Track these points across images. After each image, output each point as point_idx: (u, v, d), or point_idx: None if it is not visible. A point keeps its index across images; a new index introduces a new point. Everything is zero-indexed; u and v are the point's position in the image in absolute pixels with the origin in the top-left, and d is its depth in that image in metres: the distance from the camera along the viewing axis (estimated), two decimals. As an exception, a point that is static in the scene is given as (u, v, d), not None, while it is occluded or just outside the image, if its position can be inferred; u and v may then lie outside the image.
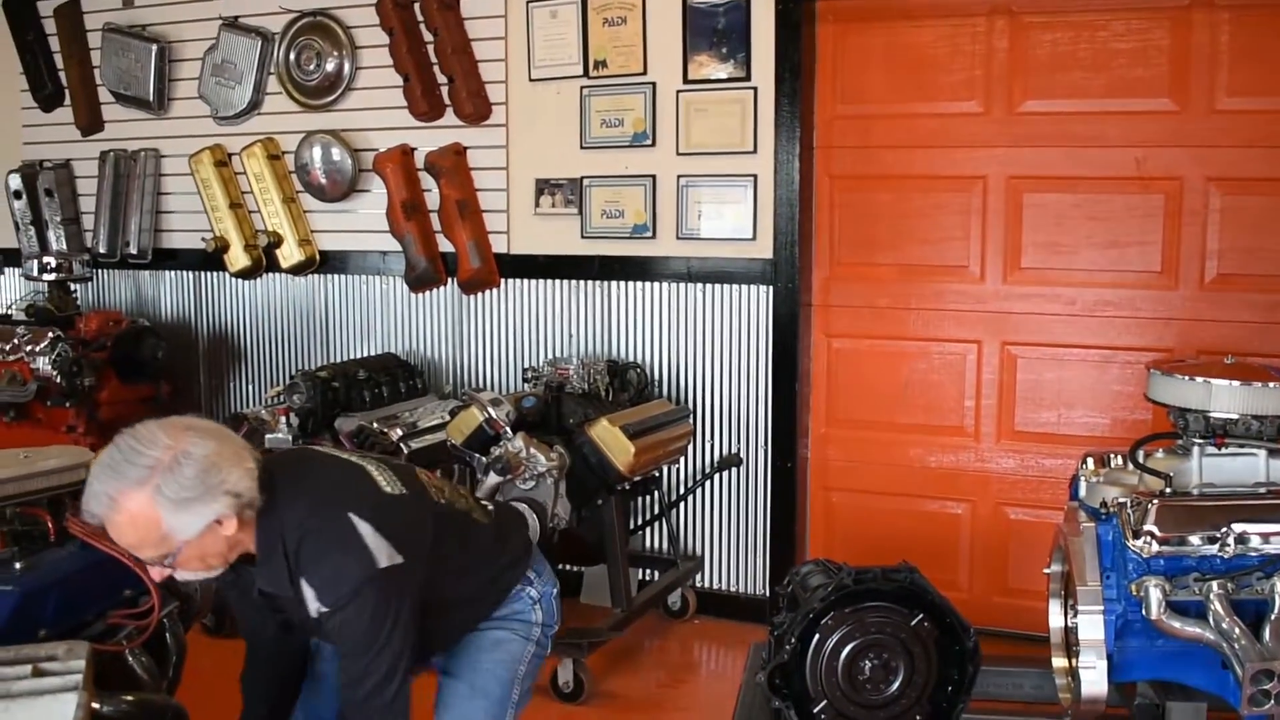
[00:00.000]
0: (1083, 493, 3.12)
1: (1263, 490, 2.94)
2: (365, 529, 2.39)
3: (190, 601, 3.14)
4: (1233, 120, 4.35)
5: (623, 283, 5.05)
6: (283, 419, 4.70)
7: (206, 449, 2.26)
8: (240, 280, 5.83)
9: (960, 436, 4.80)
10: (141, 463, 2.20)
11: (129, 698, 2.62)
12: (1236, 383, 2.97)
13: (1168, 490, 2.90)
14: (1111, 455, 3.21)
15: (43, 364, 5.25)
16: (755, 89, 4.75)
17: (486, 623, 2.81)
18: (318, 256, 5.63)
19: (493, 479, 4.29)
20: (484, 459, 4.34)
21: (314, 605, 2.41)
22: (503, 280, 5.26)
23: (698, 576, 5.06)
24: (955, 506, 4.84)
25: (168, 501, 2.20)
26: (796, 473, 4.92)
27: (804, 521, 5.03)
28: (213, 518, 2.26)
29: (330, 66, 5.45)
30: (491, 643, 2.80)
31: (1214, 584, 2.79)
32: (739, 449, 4.93)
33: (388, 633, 2.41)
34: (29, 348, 5.30)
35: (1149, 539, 2.81)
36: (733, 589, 5.04)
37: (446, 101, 5.21)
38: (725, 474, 4.95)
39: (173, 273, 6.06)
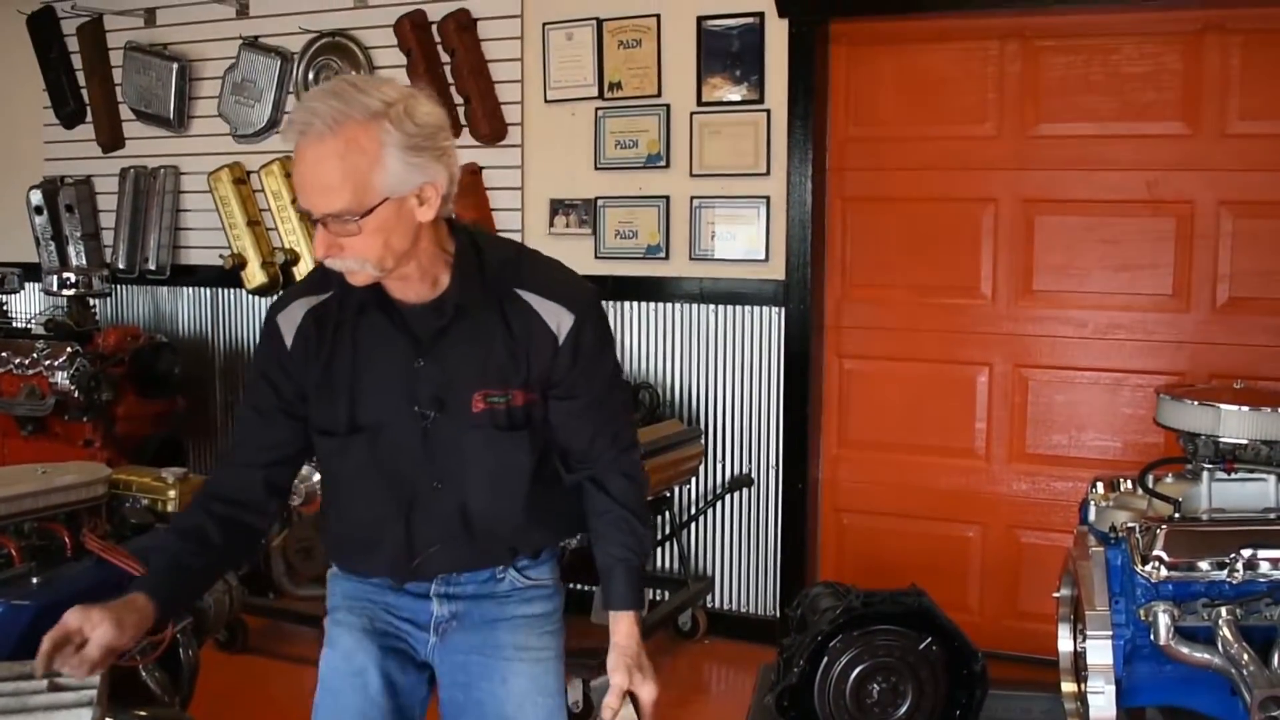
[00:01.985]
0: (1092, 517, 3.13)
1: (1272, 516, 2.94)
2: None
3: (204, 617, 3.17)
4: (1244, 144, 4.37)
5: (636, 303, 5.08)
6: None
7: (440, 113, 2.01)
8: (257, 297, 5.87)
9: (971, 459, 4.81)
10: (376, 97, 1.91)
11: (143, 713, 2.65)
12: (1246, 408, 2.98)
13: (1177, 515, 2.91)
14: (1121, 479, 3.20)
15: (61, 378, 5.30)
16: (768, 111, 4.78)
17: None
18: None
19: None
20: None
21: (554, 320, 2.11)
22: (517, 300, 5.28)
23: (709, 597, 5.07)
24: (966, 529, 4.84)
25: (393, 142, 1.90)
26: (808, 494, 4.92)
27: (815, 543, 5.04)
28: (426, 180, 1.95)
29: (347, 88, 5.49)
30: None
31: (1223, 610, 2.79)
32: (750, 470, 4.95)
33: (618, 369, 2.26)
34: (47, 362, 5.35)
35: (1158, 564, 2.81)
36: (744, 610, 5.04)
37: (463, 122, 5.24)
38: (737, 494, 4.97)
39: (190, 289, 6.11)
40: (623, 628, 2.20)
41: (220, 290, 6.02)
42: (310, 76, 5.54)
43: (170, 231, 6.04)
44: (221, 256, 5.70)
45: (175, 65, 5.88)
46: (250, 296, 5.88)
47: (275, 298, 2.26)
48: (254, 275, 5.74)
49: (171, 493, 3.39)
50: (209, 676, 3.29)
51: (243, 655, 4.84)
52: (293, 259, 5.63)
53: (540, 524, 2.28)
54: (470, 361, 2.11)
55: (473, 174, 5.23)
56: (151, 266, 6.05)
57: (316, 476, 4.66)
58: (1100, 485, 3.22)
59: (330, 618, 2.31)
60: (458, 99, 5.22)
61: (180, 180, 6.01)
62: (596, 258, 5.10)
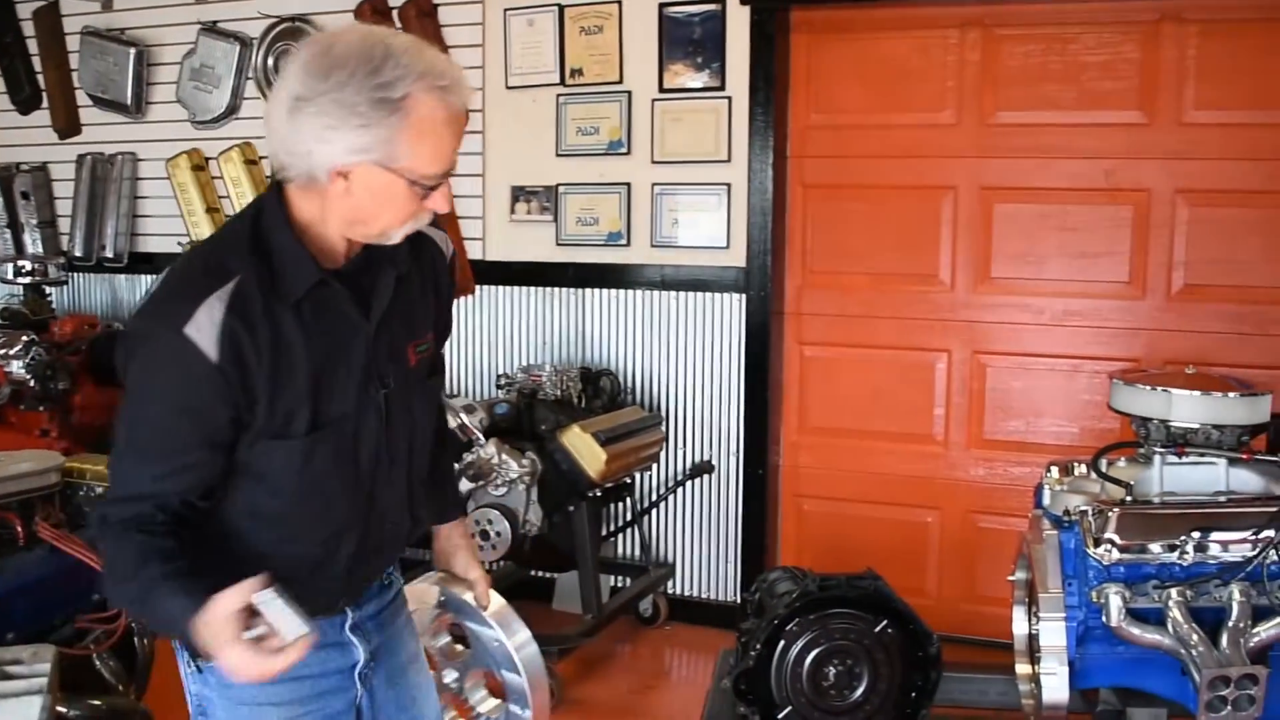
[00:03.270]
0: (1046, 501, 3.16)
1: (1222, 499, 2.99)
2: None
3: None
4: (1200, 133, 4.40)
5: (597, 290, 5.07)
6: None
7: None
8: (216, 285, 5.80)
9: (930, 444, 4.84)
10: None
11: (95, 701, 2.63)
12: (1197, 393, 3.02)
13: (1128, 499, 2.94)
14: (1075, 464, 3.24)
15: (16, 367, 5.23)
16: (730, 98, 4.78)
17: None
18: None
19: (465, 485, 4.31)
20: (456, 465, 4.37)
21: (441, 241, 2.07)
22: (478, 287, 5.28)
23: (670, 583, 5.08)
24: (925, 514, 4.87)
25: None
26: (768, 480, 4.94)
27: (775, 528, 5.06)
28: None
29: (308, 74, 5.46)
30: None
31: (1173, 591, 2.84)
32: (711, 456, 4.96)
33: None
34: (3, 351, 5.29)
35: (1109, 547, 2.85)
36: (705, 595, 5.06)
37: (424, 108, 5.22)
38: (697, 481, 4.98)
39: (149, 277, 6.04)
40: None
41: (179, 278, 5.95)
42: (270, 62, 5.50)
43: (128, 219, 5.98)
44: (180, 244, 5.66)
45: (133, 51, 5.82)
46: (209, 284, 5.82)
47: (144, 312, 1.81)
48: (213, 263, 5.68)
49: (127, 480, 3.36)
50: (166, 665, 3.27)
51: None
52: (252, 246, 5.58)
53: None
54: (404, 313, 1.95)
55: (433, 161, 5.20)
56: (109, 254, 5.99)
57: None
58: (1055, 469, 3.25)
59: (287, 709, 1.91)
60: (419, 85, 5.19)
61: (138, 167, 5.96)
62: (558, 244, 5.10)
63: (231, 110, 5.64)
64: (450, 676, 2.47)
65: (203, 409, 1.72)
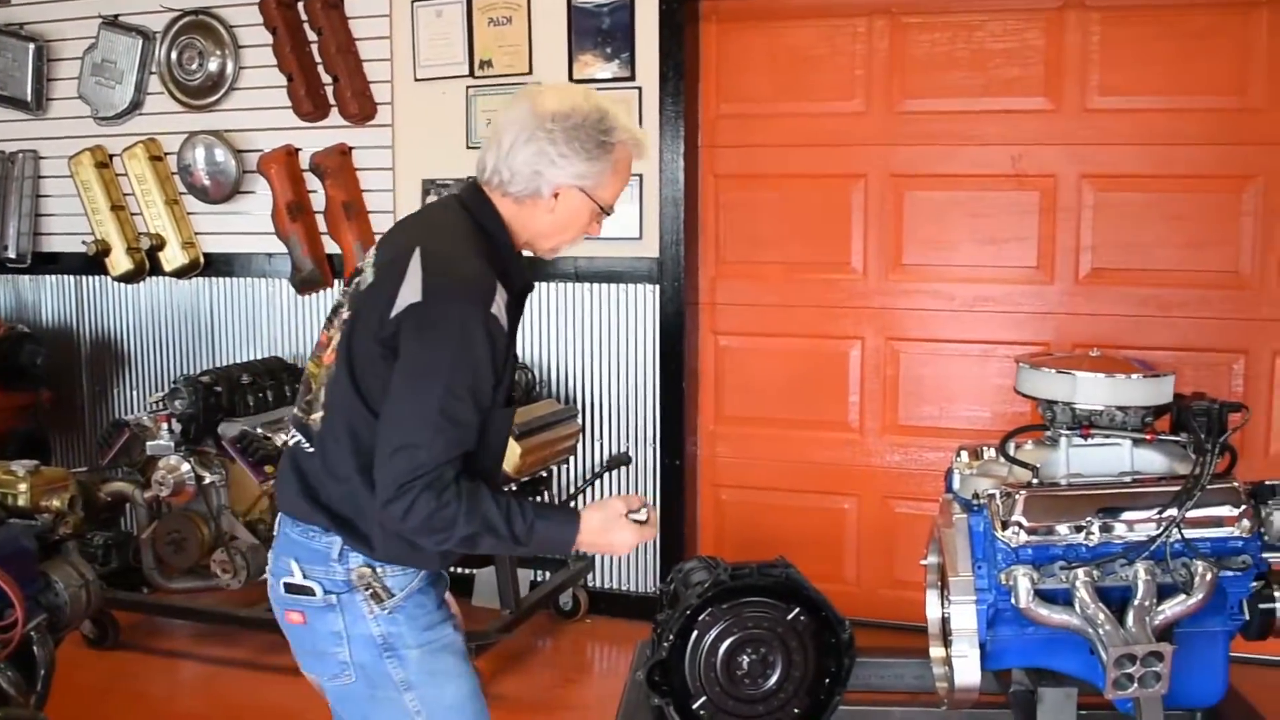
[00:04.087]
0: (956, 485, 3.18)
1: (1128, 480, 3.02)
2: None
3: (59, 614, 3.08)
4: (1104, 119, 4.47)
5: (511, 282, 5.03)
6: (164, 425, 4.63)
7: None
8: (123, 284, 5.70)
9: (846, 432, 4.87)
10: None
11: (-8, 713, 2.56)
12: (1101, 375, 3.04)
13: (1035, 481, 2.97)
14: (984, 448, 3.26)
15: (-83, 373, 5.11)
16: (640, 89, 4.77)
17: None
18: (202, 259, 5.54)
19: (378, 482, 4.26)
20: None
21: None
22: (390, 282, 5.21)
23: (589, 576, 5.07)
24: (842, 501, 4.90)
25: None
26: (685, 470, 4.94)
27: (694, 519, 5.07)
28: None
29: (213, 66, 5.36)
30: None
31: (1080, 572, 2.85)
32: (628, 448, 4.94)
33: None
34: (-97, 356, 5.16)
35: (1017, 529, 2.87)
36: (624, 588, 5.06)
37: (331, 101, 5.16)
38: (615, 473, 4.95)
39: (53, 277, 5.91)
40: None
41: (84, 279, 5.84)
42: (173, 56, 5.39)
43: (30, 218, 5.83)
44: (85, 243, 5.53)
45: (32, 45, 5.67)
46: (116, 284, 5.71)
47: (465, 285, 2.12)
48: (119, 262, 5.57)
49: (22, 485, 3.30)
50: (78, 674, 3.21)
51: (114, 651, 4.72)
52: (158, 244, 5.47)
53: None
54: None
55: (343, 155, 5.14)
56: (11, 254, 5.83)
57: (185, 466, 4.58)
58: (965, 454, 3.27)
59: (451, 636, 2.31)
60: (325, 78, 5.13)
61: (40, 165, 5.80)
62: (470, 238, 5.04)
63: (135, 105, 5.52)
64: None
65: (493, 374, 2.11)
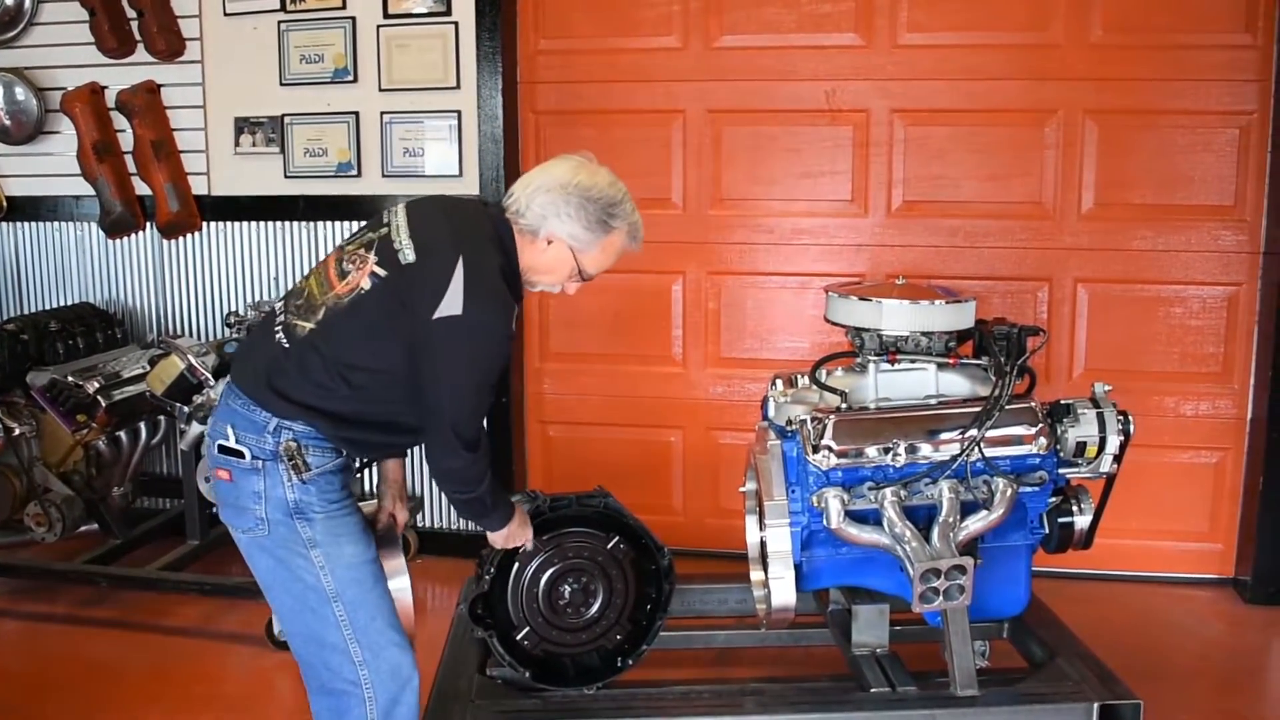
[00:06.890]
0: (771, 413, 3.26)
1: (933, 402, 3.14)
2: None
3: None
4: (914, 55, 4.58)
5: (329, 223, 4.94)
6: (-33, 375, 4.45)
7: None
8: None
9: (670, 365, 4.93)
10: None
11: None
12: (906, 302, 3.15)
13: (844, 406, 3.06)
14: (798, 376, 3.35)
15: None
16: (456, 23, 4.70)
17: None
18: (5, 203, 5.29)
19: (195, 428, 4.19)
20: (186, 408, 4.23)
21: None
22: (204, 223, 5.07)
23: (419, 516, 5.05)
24: (669, 434, 4.97)
25: None
26: (512, 408, 4.95)
27: (523, 456, 5.08)
28: None
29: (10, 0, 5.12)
30: None
31: (887, 492, 2.97)
32: (455, 387, 4.91)
33: None
34: None
35: (827, 453, 2.96)
36: (454, 526, 5.05)
37: (138, 37, 4.96)
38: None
39: None
40: (398, 464, 3.01)
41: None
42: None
43: None
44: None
45: None
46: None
47: (495, 302, 2.49)
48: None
49: None
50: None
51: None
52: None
53: None
54: None
55: (150, 93, 4.95)
56: None
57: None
58: (779, 382, 3.36)
59: (352, 511, 2.66)
60: (130, 13, 4.93)
61: None
62: (286, 177, 4.94)
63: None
64: None
65: (501, 366, 2.63)
